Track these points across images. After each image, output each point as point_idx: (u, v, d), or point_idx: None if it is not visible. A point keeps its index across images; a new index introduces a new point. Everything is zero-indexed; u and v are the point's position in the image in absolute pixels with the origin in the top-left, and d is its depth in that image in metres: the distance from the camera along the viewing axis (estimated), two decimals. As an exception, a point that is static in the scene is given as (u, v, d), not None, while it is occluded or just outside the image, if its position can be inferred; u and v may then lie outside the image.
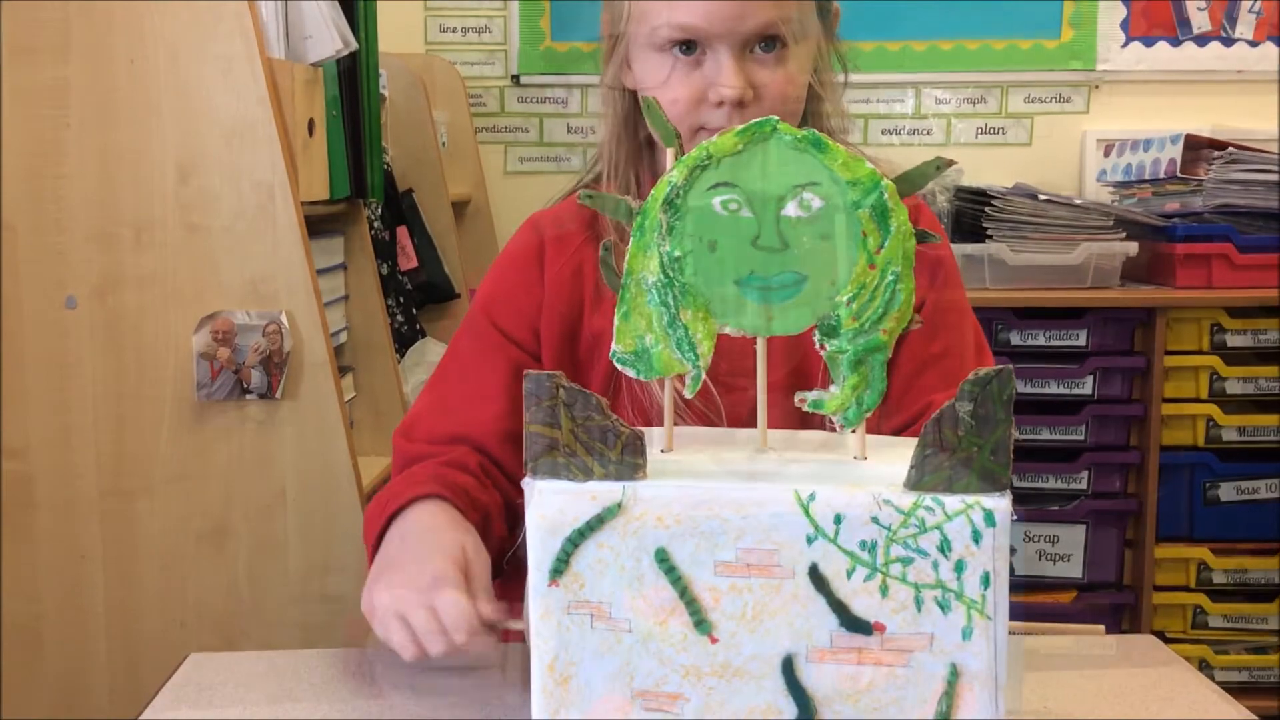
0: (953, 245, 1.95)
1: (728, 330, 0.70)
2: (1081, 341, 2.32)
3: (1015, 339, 2.33)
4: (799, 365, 1.02)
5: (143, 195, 1.53)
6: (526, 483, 0.68)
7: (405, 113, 2.52)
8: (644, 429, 0.70)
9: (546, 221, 1.12)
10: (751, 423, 0.75)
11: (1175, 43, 2.91)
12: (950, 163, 0.74)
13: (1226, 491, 2.34)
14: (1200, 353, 2.31)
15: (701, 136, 1.00)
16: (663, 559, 0.67)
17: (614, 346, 0.72)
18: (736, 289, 0.69)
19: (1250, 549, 2.34)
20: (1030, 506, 2.32)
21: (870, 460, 0.71)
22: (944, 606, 0.65)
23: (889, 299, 0.68)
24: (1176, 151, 2.42)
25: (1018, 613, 0.66)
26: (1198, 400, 2.32)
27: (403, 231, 2.43)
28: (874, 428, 0.73)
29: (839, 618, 0.66)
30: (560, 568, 0.67)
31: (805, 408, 0.70)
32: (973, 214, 2.41)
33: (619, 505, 0.67)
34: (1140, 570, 2.34)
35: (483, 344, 1.10)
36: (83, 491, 1.56)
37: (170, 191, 1.53)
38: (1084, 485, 2.35)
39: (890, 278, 0.68)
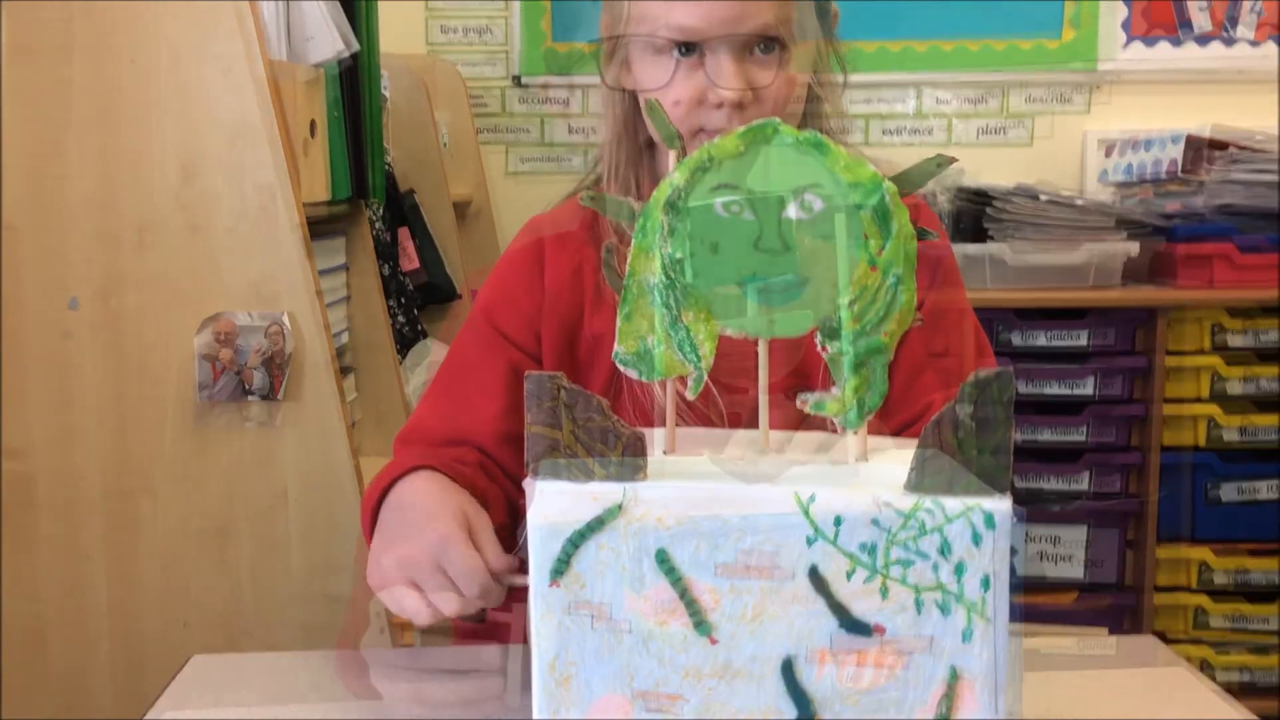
0: (954, 245, 1.95)
1: (729, 332, 0.70)
2: (1082, 342, 2.32)
3: (1016, 339, 2.33)
4: (800, 367, 1.02)
5: (144, 196, 1.53)
6: (528, 483, 0.68)
7: (407, 114, 2.52)
8: (645, 430, 0.70)
9: (546, 224, 1.12)
10: (752, 424, 0.75)
11: (1176, 43, 2.91)
12: (951, 160, 0.74)
13: (1228, 492, 2.34)
14: (1201, 353, 2.31)
15: (701, 138, 1.00)
16: (663, 560, 0.67)
17: (617, 348, 0.72)
18: (738, 291, 0.70)
19: (1251, 549, 2.34)
20: (1031, 507, 2.32)
21: (871, 462, 0.71)
22: (944, 608, 0.65)
23: (890, 301, 0.68)
24: (1178, 151, 2.42)
25: (1019, 614, 0.66)
26: (1199, 400, 2.32)
27: (404, 232, 2.43)
28: (874, 428, 0.73)
29: (839, 619, 0.66)
30: (561, 568, 0.68)
31: (806, 409, 0.70)
32: (974, 214, 2.41)
33: (620, 506, 0.67)
34: (1141, 571, 2.34)
35: (483, 346, 1.10)
36: (84, 492, 1.56)
37: (172, 192, 1.53)
38: (1085, 486, 2.34)
39: (892, 280, 0.68)
